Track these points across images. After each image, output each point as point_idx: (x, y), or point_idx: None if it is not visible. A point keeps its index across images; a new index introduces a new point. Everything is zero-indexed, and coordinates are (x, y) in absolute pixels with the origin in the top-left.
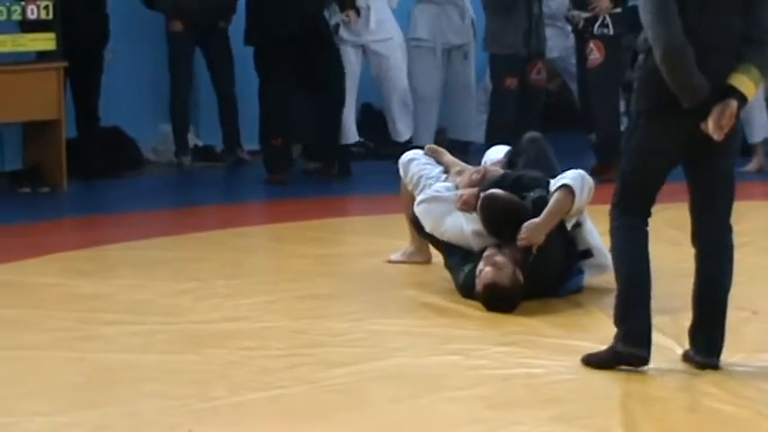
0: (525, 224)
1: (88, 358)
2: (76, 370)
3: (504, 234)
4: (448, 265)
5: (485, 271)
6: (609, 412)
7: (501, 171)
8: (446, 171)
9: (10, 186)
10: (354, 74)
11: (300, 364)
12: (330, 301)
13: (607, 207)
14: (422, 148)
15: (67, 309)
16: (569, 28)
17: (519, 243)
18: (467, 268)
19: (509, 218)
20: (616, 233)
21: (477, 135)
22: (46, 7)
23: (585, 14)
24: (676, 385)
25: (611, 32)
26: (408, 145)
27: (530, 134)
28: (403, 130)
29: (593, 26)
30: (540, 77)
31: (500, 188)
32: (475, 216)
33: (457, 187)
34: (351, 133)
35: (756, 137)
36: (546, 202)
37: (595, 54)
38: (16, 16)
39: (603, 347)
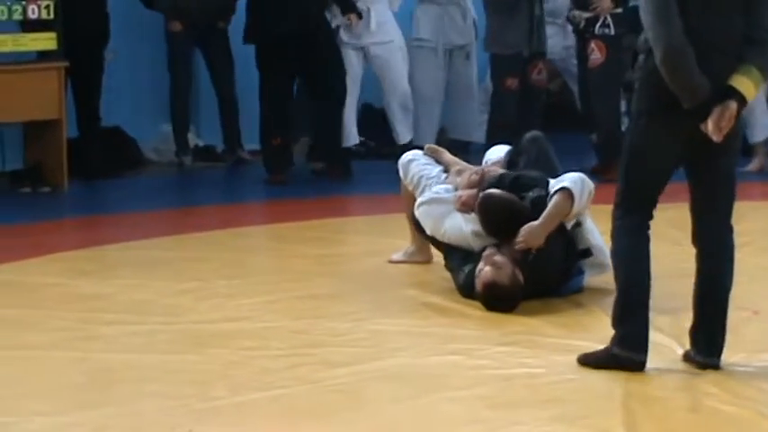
0: (524, 227)
1: (89, 358)
2: (77, 370)
3: (502, 234)
4: (448, 266)
5: (484, 270)
6: (610, 412)
7: (500, 171)
8: (446, 170)
9: (11, 186)
10: (356, 76)
11: (301, 364)
12: (331, 301)
13: (608, 207)
14: (422, 148)
15: (68, 309)
16: (570, 27)
17: (517, 246)
18: (467, 269)
19: (507, 217)
20: (617, 234)
21: (479, 135)
22: (47, 7)
23: (587, 14)
24: (677, 385)
25: (613, 32)
26: (409, 145)
27: (531, 133)
28: (403, 133)
29: (594, 26)
30: (541, 77)
31: (498, 188)
32: (474, 217)
33: (456, 188)
34: (351, 135)
35: (758, 137)
36: (545, 202)
37: (596, 54)
38: (17, 16)
39: (604, 347)
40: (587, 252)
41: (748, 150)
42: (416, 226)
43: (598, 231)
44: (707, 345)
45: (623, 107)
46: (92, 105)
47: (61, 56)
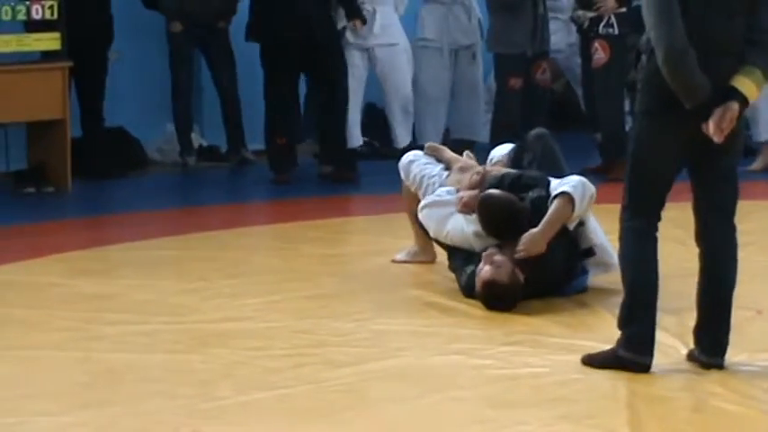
0: (524, 235)
1: (93, 358)
2: (81, 370)
3: (503, 234)
4: (452, 267)
5: (483, 269)
6: (614, 412)
7: (501, 171)
8: (447, 168)
9: (15, 186)
10: (360, 77)
11: (305, 364)
12: (335, 301)
13: (612, 206)
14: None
15: (72, 309)
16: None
17: (517, 255)
18: (469, 269)
19: (507, 218)
20: (625, 236)
21: (484, 135)
22: (51, 7)
23: (591, 14)
24: (682, 385)
25: (616, 32)
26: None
27: (536, 130)
28: (402, 136)
29: (598, 26)
30: (545, 77)
31: (499, 189)
32: (475, 218)
33: (458, 189)
34: (355, 137)
35: (762, 135)
36: (545, 202)
37: (600, 54)
38: (21, 16)
39: (608, 347)
40: (590, 251)
41: (751, 150)
42: (420, 226)
43: (602, 230)
44: (711, 344)
45: (627, 107)
46: (95, 105)
47: (65, 56)
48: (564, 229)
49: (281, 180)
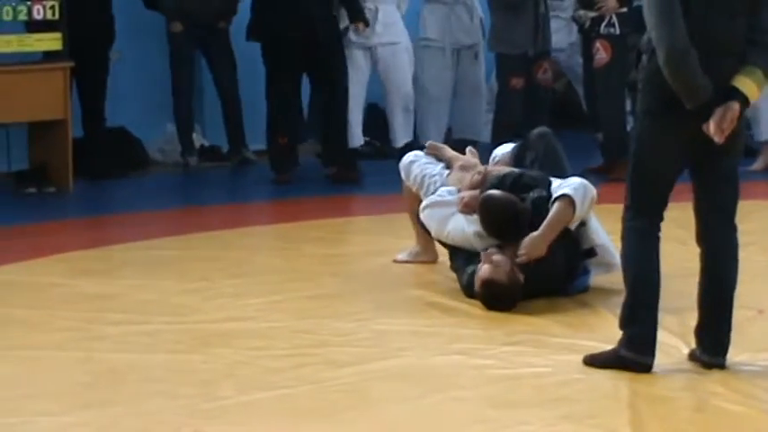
0: (525, 239)
1: (95, 358)
2: (83, 370)
3: (503, 235)
4: (453, 267)
5: (482, 268)
6: (616, 412)
7: (503, 171)
8: (448, 167)
9: (16, 186)
10: (362, 76)
11: (306, 364)
12: (336, 301)
13: (614, 206)
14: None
15: (74, 309)
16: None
17: (519, 260)
18: (470, 269)
19: (508, 219)
20: (627, 236)
21: (486, 135)
22: (52, 7)
23: (592, 14)
24: (683, 385)
25: (618, 32)
26: (407, 147)
27: (538, 129)
28: (401, 136)
29: (599, 26)
30: (547, 77)
31: (500, 189)
32: (476, 218)
33: (459, 190)
34: (356, 137)
35: (764, 135)
36: (546, 202)
37: (602, 54)
38: (22, 16)
39: (610, 347)
40: (591, 252)
41: (751, 151)
42: (422, 226)
43: (603, 230)
44: (712, 344)
45: (628, 106)
46: (97, 106)
47: (66, 56)
48: (565, 230)
49: (282, 180)
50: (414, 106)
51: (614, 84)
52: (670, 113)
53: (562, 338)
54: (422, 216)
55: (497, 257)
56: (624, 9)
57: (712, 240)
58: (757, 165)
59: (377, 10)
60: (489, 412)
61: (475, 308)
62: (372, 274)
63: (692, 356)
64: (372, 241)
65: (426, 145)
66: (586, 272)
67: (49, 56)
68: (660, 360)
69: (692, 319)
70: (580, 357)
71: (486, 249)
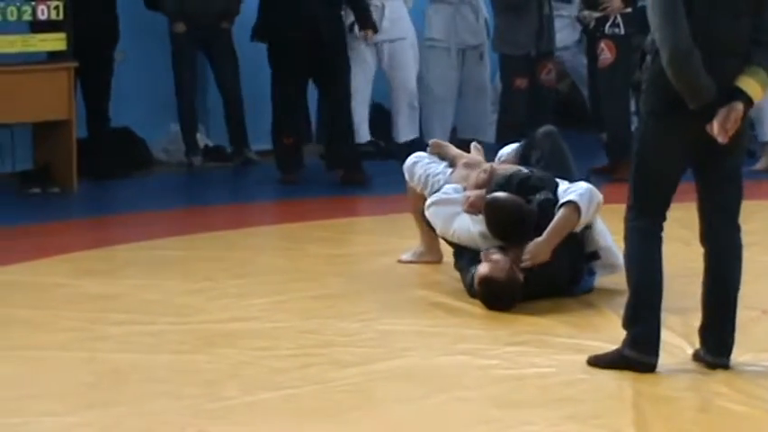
0: (529, 244)
1: (99, 358)
2: (87, 370)
3: (509, 237)
4: (458, 266)
5: (481, 267)
6: (620, 412)
7: (509, 170)
8: (452, 165)
9: (20, 187)
10: (369, 72)
11: (311, 364)
12: (341, 301)
13: (617, 206)
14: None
15: (78, 309)
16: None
17: (523, 264)
18: (473, 269)
19: (514, 221)
20: (630, 236)
21: (491, 135)
22: (56, 8)
23: (597, 14)
24: (687, 385)
25: (622, 32)
26: (412, 144)
27: (544, 128)
28: (405, 131)
29: (604, 26)
30: (550, 77)
31: (506, 190)
32: (481, 218)
33: (465, 186)
34: (362, 132)
35: (767, 135)
36: (552, 205)
37: (606, 54)
38: (27, 17)
39: (614, 347)
40: (595, 255)
41: (751, 152)
42: (428, 224)
43: (608, 232)
44: (716, 344)
45: (632, 107)
46: (101, 106)
47: (70, 56)
48: (570, 234)
49: (287, 180)
50: (419, 105)
51: (618, 84)
52: (674, 114)
53: (566, 339)
54: (427, 213)
55: (496, 256)
56: (629, 9)
57: (716, 240)
58: (760, 165)
59: (383, 6)
60: (493, 412)
61: (479, 308)
62: (377, 274)
63: (696, 356)
64: (377, 241)
65: (430, 143)
66: (592, 273)
67: (53, 56)
68: (664, 360)
69: (696, 319)
70: (584, 357)
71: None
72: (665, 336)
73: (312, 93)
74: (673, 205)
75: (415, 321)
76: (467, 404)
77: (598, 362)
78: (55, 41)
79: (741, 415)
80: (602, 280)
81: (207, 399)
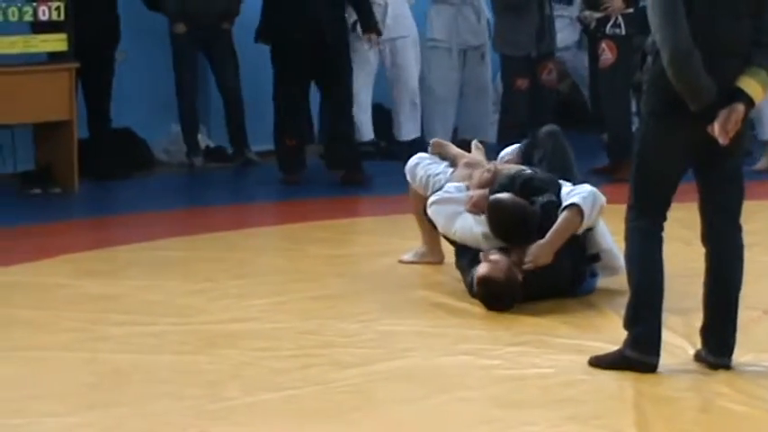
0: (532, 247)
1: (100, 359)
2: (88, 371)
3: (512, 239)
4: (459, 265)
5: (480, 267)
6: (621, 412)
7: (512, 171)
8: (453, 165)
9: (21, 187)
10: (371, 70)
11: (312, 365)
12: (341, 302)
13: (618, 206)
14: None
15: (79, 309)
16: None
17: (525, 267)
18: (474, 271)
19: (517, 223)
20: (630, 236)
21: (492, 135)
22: (57, 8)
23: (598, 15)
24: (688, 385)
25: (624, 33)
26: (414, 143)
27: (547, 127)
28: (408, 130)
29: (605, 26)
30: (551, 78)
31: (509, 191)
32: (484, 219)
33: (468, 187)
34: (366, 130)
35: (767, 135)
36: (555, 208)
37: (607, 54)
38: (28, 17)
39: (615, 348)
40: (596, 257)
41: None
42: (430, 223)
43: (610, 234)
44: (718, 345)
45: (633, 107)
46: (102, 106)
47: (71, 57)
48: (573, 236)
49: (290, 181)
50: (420, 105)
51: (619, 84)
52: (674, 114)
53: (567, 339)
54: (429, 211)
55: (495, 257)
56: (630, 10)
57: (717, 241)
58: (760, 164)
59: (386, 5)
60: (495, 413)
61: (480, 309)
62: (377, 274)
63: (698, 357)
64: (377, 242)
65: (431, 142)
66: (594, 275)
67: (54, 57)
68: (665, 360)
69: (698, 319)
70: (585, 358)
71: (493, 249)
72: (667, 336)
73: (314, 94)
74: (673, 205)
75: (415, 322)
76: (468, 404)
77: (599, 362)
78: (56, 42)
79: (742, 415)
80: (603, 280)
81: (208, 399)
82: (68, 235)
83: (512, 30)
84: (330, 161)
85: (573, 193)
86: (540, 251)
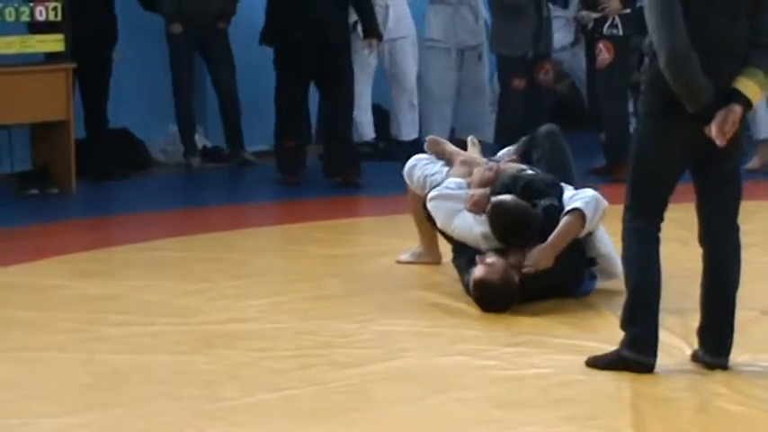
0: (533, 250)
1: (97, 359)
2: (86, 371)
3: (512, 241)
4: (456, 264)
5: (476, 270)
6: (619, 413)
7: (514, 169)
8: (449, 162)
9: (19, 188)
10: (370, 70)
11: (310, 365)
12: (339, 302)
13: (616, 207)
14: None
15: (76, 310)
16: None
17: (525, 270)
18: (471, 272)
19: (518, 225)
20: (627, 236)
21: (490, 135)
22: (54, 8)
23: (595, 15)
24: (686, 385)
25: (621, 33)
26: (414, 144)
27: (546, 127)
28: (407, 129)
29: (602, 27)
30: (548, 78)
31: (511, 192)
32: (484, 218)
33: (469, 184)
34: (366, 129)
35: (761, 133)
36: (557, 212)
37: (604, 54)
38: (25, 17)
39: (613, 348)
40: (592, 261)
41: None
42: (428, 220)
43: (609, 238)
44: (715, 345)
45: (631, 107)
46: (99, 107)
47: (68, 57)
48: (573, 240)
49: (289, 181)
50: (418, 105)
51: (617, 84)
52: (671, 115)
53: (565, 339)
54: (429, 206)
55: (491, 259)
56: (627, 10)
57: (714, 241)
58: (753, 163)
59: (387, 7)
60: (492, 413)
61: (478, 309)
62: (375, 275)
63: (695, 357)
64: (375, 242)
65: (427, 139)
66: (593, 277)
67: (51, 57)
68: (663, 361)
69: (695, 319)
70: (583, 358)
71: (491, 250)
72: (664, 336)
73: (312, 94)
74: (671, 206)
75: (413, 322)
76: (465, 405)
77: (597, 363)
78: (53, 42)
79: (739, 415)
80: (600, 282)
81: (206, 400)
82: (66, 235)
83: (509, 30)
84: (327, 166)
85: (575, 197)
86: (541, 255)
